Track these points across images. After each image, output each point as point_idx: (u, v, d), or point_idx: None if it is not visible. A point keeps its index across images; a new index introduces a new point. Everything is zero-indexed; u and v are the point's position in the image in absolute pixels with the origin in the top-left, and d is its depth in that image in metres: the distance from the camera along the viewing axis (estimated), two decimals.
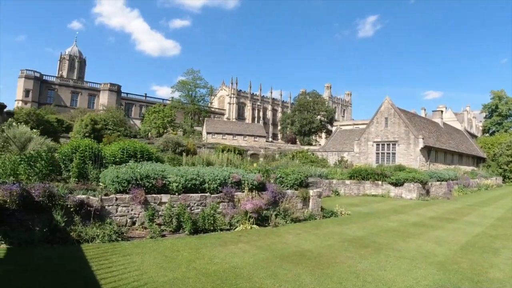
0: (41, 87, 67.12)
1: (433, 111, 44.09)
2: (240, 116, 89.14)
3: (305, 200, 13.67)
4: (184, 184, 10.41)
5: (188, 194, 10.34)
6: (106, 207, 9.10)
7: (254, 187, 11.95)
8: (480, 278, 6.39)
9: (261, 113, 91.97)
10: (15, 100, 64.78)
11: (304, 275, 6.22)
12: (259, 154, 47.89)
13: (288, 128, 75.83)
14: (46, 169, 10.69)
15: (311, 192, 13.92)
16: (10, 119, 18.86)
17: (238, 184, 11.74)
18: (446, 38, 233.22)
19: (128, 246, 7.68)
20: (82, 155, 11.85)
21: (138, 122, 75.68)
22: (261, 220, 11.16)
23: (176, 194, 10.15)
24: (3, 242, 7.19)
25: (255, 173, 13.12)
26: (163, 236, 8.93)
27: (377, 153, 35.19)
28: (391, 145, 34.09)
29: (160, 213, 9.64)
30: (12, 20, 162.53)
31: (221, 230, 10.00)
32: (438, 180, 25.22)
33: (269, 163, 29.73)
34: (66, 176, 11.53)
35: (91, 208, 8.57)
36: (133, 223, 9.40)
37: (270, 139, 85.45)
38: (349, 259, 7.29)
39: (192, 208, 10.25)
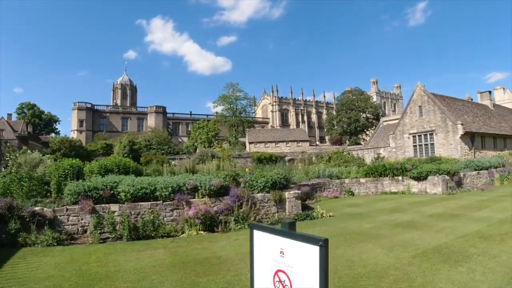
0: (93, 116, 72.94)
1: (479, 92, 39.50)
2: (284, 122, 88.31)
3: (280, 203, 12.83)
4: (134, 193, 10.56)
5: (137, 203, 10.53)
6: (59, 217, 9.89)
7: (212, 192, 11.62)
8: None
9: (305, 118, 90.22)
10: (71, 130, 71.00)
11: (169, 282, 5.62)
12: (297, 159, 46.72)
13: (333, 130, 73.29)
14: (34, 186, 11.97)
15: (286, 194, 13.08)
16: (24, 147, 20.43)
17: (195, 190, 11.41)
18: (507, 9, 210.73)
19: (56, 250, 8.38)
20: (63, 173, 12.85)
21: (186, 139, 78.56)
22: (211, 225, 10.64)
23: (125, 203, 10.36)
24: None
25: (222, 178, 12.66)
26: (104, 242, 9.38)
27: (414, 146, 32.34)
28: (428, 135, 31.12)
29: (110, 221, 9.88)
30: (72, 58, 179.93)
31: (169, 236, 9.87)
32: (475, 169, 22.33)
33: (306, 167, 28.88)
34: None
35: (42, 218, 9.48)
36: (84, 231, 10.00)
37: (317, 142, 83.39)
38: (239, 267, 6.50)
39: (143, 216, 10.25)
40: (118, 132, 73.34)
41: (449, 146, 29.27)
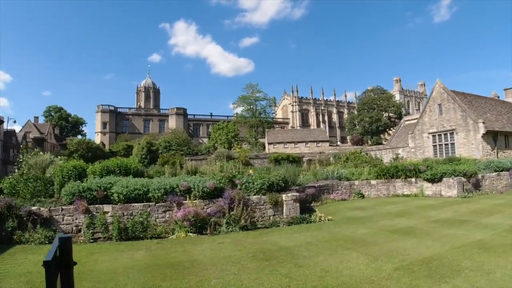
0: (116, 118, 74.84)
1: (504, 89, 37.58)
2: (305, 123, 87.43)
3: (277, 205, 12.60)
4: (127, 194, 10.70)
5: (130, 204, 10.65)
6: (55, 216, 10.21)
7: (206, 194, 11.55)
8: None
9: (325, 118, 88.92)
10: (95, 132, 73.08)
11: (132, 285, 5.66)
12: (314, 160, 46.09)
13: (353, 130, 71.87)
14: (40, 187, 12.65)
15: (284, 196, 12.81)
16: (36, 149, 21.08)
17: (189, 192, 11.37)
18: None
19: (46, 248, 8.47)
20: (66, 174, 13.32)
21: (206, 140, 79.24)
22: (202, 227, 10.57)
23: (118, 204, 10.53)
24: None
25: (217, 180, 12.54)
26: (94, 241, 9.62)
27: (434, 146, 31.11)
28: (448, 134, 29.86)
29: (102, 221, 10.05)
30: (99, 62, 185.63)
31: (159, 237, 9.92)
32: (495, 171, 21.17)
33: (315, 168, 28.43)
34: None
35: (38, 217, 9.87)
36: (79, 230, 10.23)
37: (338, 142, 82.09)
38: (207, 273, 6.33)
39: (135, 217, 10.29)
40: (140, 133, 74.87)
41: (470, 145, 27.95)
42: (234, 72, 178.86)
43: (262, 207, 12.36)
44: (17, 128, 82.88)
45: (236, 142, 71.28)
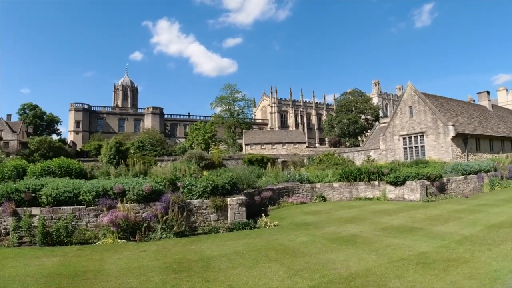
0: (90, 117, 72.60)
1: (477, 93, 37.71)
2: (284, 124, 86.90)
3: (221, 210, 11.60)
4: (56, 197, 9.90)
5: (59, 207, 9.91)
6: None
7: (141, 197, 10.57)
8: None
9: (304, 119, 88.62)
10: (68, 131, 70.65)
11: None
12: (289, 161, 45.33)
13: (331, 131, 71.64)
14: None
15: (228, 200, 11.79)
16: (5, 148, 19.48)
17: (124, 195, 10.53)
18: None
19: None
20: (6, 173, 13.30)
21: (183, 140, 77.71)
22: (134, 233, 9.76)
23: (47, 207, 9.81)
24: None
25: (156, 182, 11.53)
26: (19, 246, 9.06)
27: (405, 148, 30.72)
28: (418, 137, 29.49)
29: (27, 225, 9.39)
30: (79, 60, 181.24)
31: (86, 243, 9.25)
32: (463, 174, 20.71)
33: (296, 169, 27.57)
34: None
35: None
36: (7, 233, 9.50)
37: (316, 144, 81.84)
38: (104, 286, 5.51)
39: (61, 221, 9.46)
40: (115, 133, 72.73)
41: (440, 148, 27.61)
42: (217, 72, 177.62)
43: (204, 211, 11.45)
44: None
45: (214, 143, 70.16)
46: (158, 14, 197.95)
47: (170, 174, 15.44)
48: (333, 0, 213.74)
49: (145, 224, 9.93)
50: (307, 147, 65.76)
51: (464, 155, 27.65)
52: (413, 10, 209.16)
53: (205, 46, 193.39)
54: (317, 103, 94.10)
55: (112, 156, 42.34)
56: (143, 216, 10.16)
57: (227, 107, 76.01)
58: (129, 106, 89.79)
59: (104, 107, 78.30)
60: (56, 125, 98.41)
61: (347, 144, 67.44)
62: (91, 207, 10.01)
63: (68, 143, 71.38)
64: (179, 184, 12.23)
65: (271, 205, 16.14)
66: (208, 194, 11.78)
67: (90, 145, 58.56)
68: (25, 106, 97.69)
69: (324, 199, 18.24)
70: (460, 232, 9.14)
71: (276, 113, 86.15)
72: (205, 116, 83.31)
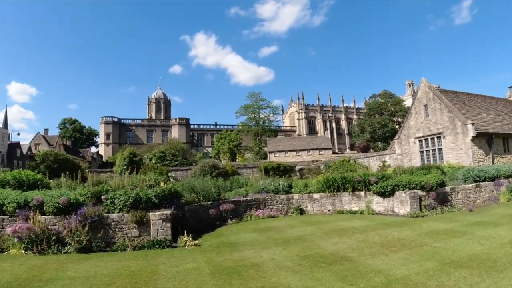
0: (120, 129, 74.69)
1: (509, 87, 33.21)
2: (312, 130, 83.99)
3: (144, 225, 10.46)
4: None
5: None
6: None
7: (57, 210, 10.11)
8: None
9: (333, 125, 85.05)
10: (100, 143, 73.04)
11: None
12: (305, 169, 42.97)
13: (360, 136, 67.79)
14: None
15: (151, 215, 10.41)
16: None
17: (43, 207, 10.24)
18: None
19: None
20: None
21: (210, 150, 77.70)
22: (47, 245, 9.36)
23: None
24: None
25: (79, 195, 11.07)
26: None
27: (421, 152, 27.44)
28: (435, 139, 26.17)
29: None
30: (122, 76, 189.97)
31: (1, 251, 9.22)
32: (475, 181, 17.60)
33: (312, 177, 25.66)
34: None
35: None
36: None
37: (347, 149, 78.04)
38: None
39: None
40: (143, 144, 74.25)
41: (459, 151, 24.17)
42: (254, 81, 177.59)
43: (124, 226, 10.38)
44: (27, 140, 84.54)
45: (239, 152, 69.18)
46: (195, 28, 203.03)
47: (129, 185, 14.42)
48: (369, 1, 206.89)
49: (53, 237, 9.50)
50: (333, 153, 62.68)
51: (489, 158, 23.99)
52: (452, 7, 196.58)
53: (241, 56, 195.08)
54: (346, 107, 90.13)
55: (125, 167, 42.58)
56: (57, 228, 9.76)
57: (252, 115, 74.85)
58: (162, 117, 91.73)
59: (133, 119, 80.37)
60: (94, 138, 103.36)
61: (377, 149, 63.36)
62: (13, 217, 9.99)
63: (92, 155, 73.96)
64: (102, 197, 11.35)
65: (232, 219, 14.43)
66: (128, 208, 10.71)
67: (114, 157, 59.90)
68: (65, 121, 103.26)
69: (301, 212, 16.17)
70: (394, 271, 6.50)
71: (303, 119, 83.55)
72: (232, 125, 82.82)
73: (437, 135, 25.86)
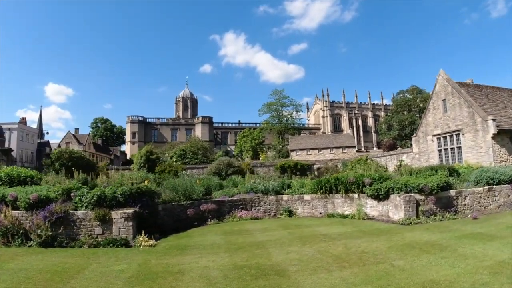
0: (145, 128, 76.28)
1: None
2: (337, 128, 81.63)
3: (107, 223, 10.51)
4: None
5: None
6: None
7: (28, 206, 10.60)
8: None
9: (360, 122, 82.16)
10: (126, 142, 74.94)
11: None
12: (322, 168, 41.62)
13: (386, 134, 64.95)
14: None
15: (113, 214, 10.45)
16: None
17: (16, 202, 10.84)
18: None
19: None
20: None
21: (233, 148, 77.69)
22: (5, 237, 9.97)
23: None
24: None
25: (51, 191, 11.40)
26: None
27: (439, 150, 25.51)
28: (454, 136, 24.19)
29: None
30: (153, 76, 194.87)
31: None
32: (488, 183, 15.87)
33: (329, 175, 24.71)
34: None
35: None
36: None
37: (374, 147, 75.21)
38: None
39: None
40: (168, 142, 75.36)
41: (479, 150, 22.12)
42: (284, 79, 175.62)
43: (88, 223, 10.56)
44: (57, 139, 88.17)
45: (262, 150, 68.52)
46: (225, 27, 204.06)
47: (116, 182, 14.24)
48: None
49: (21, 231, 10.08)
50: (357, 151, 60.59)
51: None
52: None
53: (271, 54, 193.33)
54: (374, 104, 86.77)
55: (142, 164, 43.23)
56: (28, 223, 10.33)
57: (275, 113, 73.89)
58: (189, 116, 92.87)
59: (158, 118, 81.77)
60: (124, 137, 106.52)
61: (404, 147, 60.47)
62: None
63: (113, 153, 76.01)
64: (72, 194, 11.50)
65: (212, 219, 13.83)
66: (93, 206, 10.76)
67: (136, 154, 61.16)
68: (97, 120, 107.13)
69: (290, 214, 15.28)
70: None
71: (328, 117, 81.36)
72: (255, 123, 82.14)
73: (456, 132, 23.88)
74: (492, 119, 21.34)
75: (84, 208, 10.78)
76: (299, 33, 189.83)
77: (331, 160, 46.12)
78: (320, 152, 61.61)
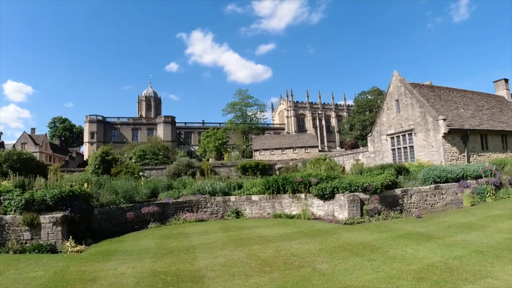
0: (104, 128, 73.28)
1: (493, 81, 31.51)
2: (301, 128, 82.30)
3: (36, 228, 9.84)
4: None
5: None
6: None
7: None
8: None
9: (323, 122, 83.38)
10: (84, 142, 71.70)
11: None
12: (283, 168, 41.50)
13: (348, 134, 66.19)
14: None
15: (41, 218, 9.85)
16: None
17: None
18: None
19: None
20: None
21: (197, 148, 76.34)
22: None
23: None
24: None
25: None
26: None
27: (393, 149, 25.93)
28: (406, 136, 24.64)
29: None
30: (118, 74, 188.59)
31: None
32: (435, 182, 16.07)
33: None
34: None
35: None
36: None
37: (337, 147, 76.43)
38: None
39: None
40: (128, 142, 72.72)
41: (430, 148, 22.62)
42: (252, 79, 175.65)
43: (17, 228, 9.89)
44: (13, 140, 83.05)
45: (225, 150, 67.71)
46: (192, 25, 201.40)
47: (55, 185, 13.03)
48: None
49: None
50: (320, 151, 61.13)
51: (463, 156, 22.44)
52: (450, 3, 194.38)
53: (239, 53, 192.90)
54: (337, 104, 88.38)
55: (97, 166, 41.20)
56: None
57: (239, 113, 73.34)
58: (152, 116, 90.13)
59: (118, 118, 78.81)
60: (83, 137, 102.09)
61: (363, 146, 61.89)
62: None
63: (71, 155, 72.62)
64: (1, 197, 10.67)
65: (154, 222, 12.98)
66: (21, 210, 10.00)
67: (91, 156, 58.56)
68: (55, 120, 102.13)
69: (238, 215, 14.70)
70: None
71: (292, 117, 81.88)
72: (220, 123, 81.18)
73: (409, 132, 24.32)
74: (443, 119, 21.84)
75: (13, 212, 10.07)
76: (267, 33, 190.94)
77: (292, 159, 46.13)
78: (283, 152, 61.72)
